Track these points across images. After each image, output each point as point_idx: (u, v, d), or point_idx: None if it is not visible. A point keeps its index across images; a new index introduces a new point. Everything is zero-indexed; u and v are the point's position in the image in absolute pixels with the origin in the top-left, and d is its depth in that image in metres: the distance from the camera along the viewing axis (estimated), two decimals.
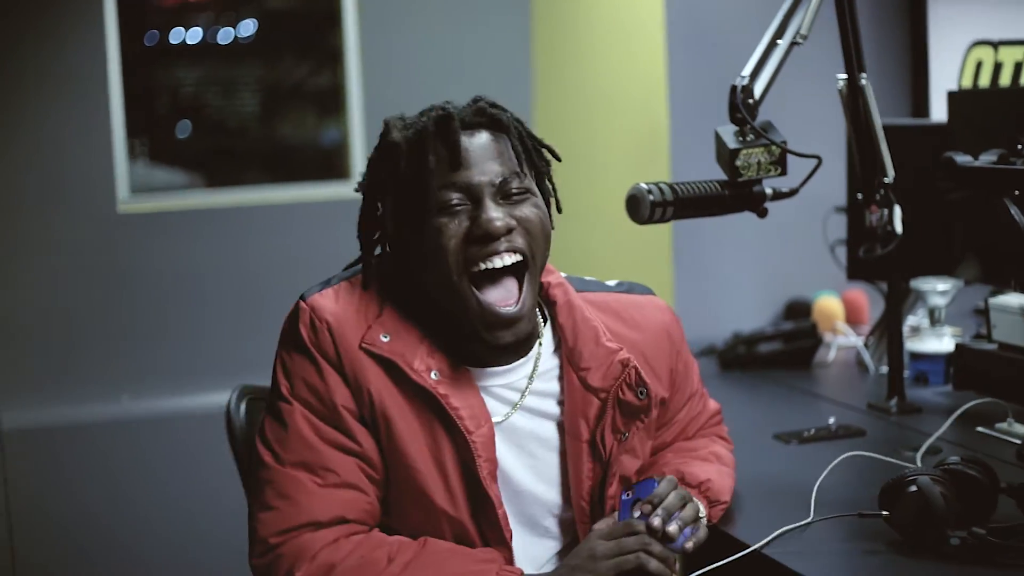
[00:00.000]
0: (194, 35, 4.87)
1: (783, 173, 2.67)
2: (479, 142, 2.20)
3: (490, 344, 2.21)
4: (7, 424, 4.31)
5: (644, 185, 2.55)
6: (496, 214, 2.16)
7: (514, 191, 2.20)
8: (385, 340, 2.18)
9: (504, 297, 2.20)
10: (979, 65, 4.34)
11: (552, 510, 2.33)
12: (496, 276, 2.20)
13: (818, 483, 2.51)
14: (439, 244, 2.15)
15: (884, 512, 2.27)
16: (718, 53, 4.01)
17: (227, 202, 4.72)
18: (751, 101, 2.67)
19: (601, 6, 4.50)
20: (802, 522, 2.36)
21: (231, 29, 4.92)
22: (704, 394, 2.62)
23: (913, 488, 2.24)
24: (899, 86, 4.40)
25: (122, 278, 4.58)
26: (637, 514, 2.21)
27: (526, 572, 2.22)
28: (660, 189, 2.56)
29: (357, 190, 2.29)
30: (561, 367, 2.33)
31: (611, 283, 2.48)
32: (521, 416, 2.30)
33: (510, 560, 2.24)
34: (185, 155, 4.89)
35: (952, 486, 2.25)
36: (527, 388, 2.30)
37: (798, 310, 4.10)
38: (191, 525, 4.35)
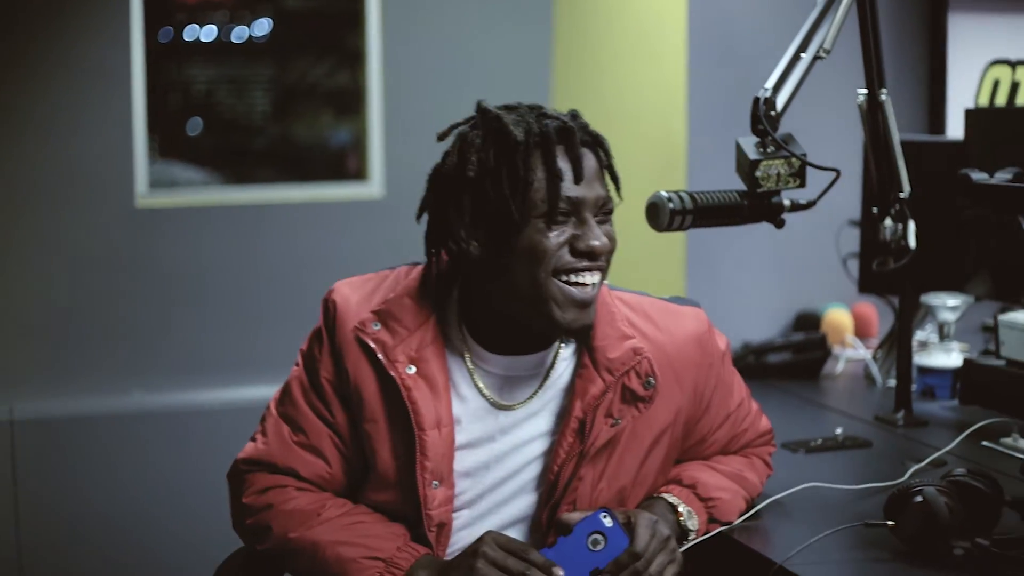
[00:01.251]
0: (208, 33, 4.91)
1: (802, 185, 2.70)
2: (589, 160, 2.28)
3: (564, 328, 2.27)
4: (19, 414, 4.34)
5: (664, 193, 2.58)
6: (601, 236, 2.25)
7: (606, 211, 2.29)
8: (375, 328, 2.33)
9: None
10: (996, 84, 4.38)
11: (526, 499, 2.39)
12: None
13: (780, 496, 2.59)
14: (542, 248, 2.23)
15: (890, 522, 2.31)
16: (738, 65, 4.04)
17: (244, 199, 4.75)
18: (773, 113, 2.70)
19: (623, 14, 4.52)
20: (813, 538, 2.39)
21: (245, 28, 4.95)
22: (754, 412, 2.63)
23: (919, 499, 2.27)
24: (916, 102, 4.43)
25: (138, 272, 4.61)
26: (598, 549, 2.24)
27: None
28: (680, 197, 2.58)
29: (436, 174, 2.34)
30: (579, 353, 2.38)
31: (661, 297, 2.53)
32: (533, 404, 2.37)
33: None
34: (195, 152, 4.92)
35: (957, 497, 2.29)
36: (546, 378, 2.38)
37: (808, 322, 4.12)
38: (198, 519, 4.37)
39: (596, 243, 2.24)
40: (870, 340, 4.01)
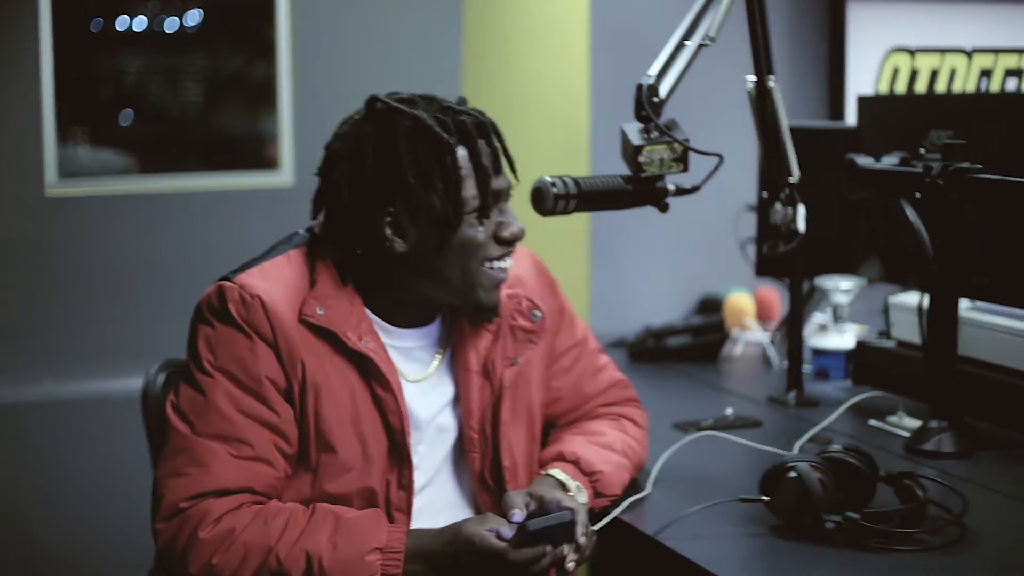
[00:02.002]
0: (139, 23, 4.90)
1: (685, 170, 2.74)
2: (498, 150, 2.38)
3: (486, 308, 2.39)
4: None
5: (548, 178, 2.61)
6: (519, 221, 2.38)
7: (510, 195, 2.40)
8: (320, 312, 2.29)
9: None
10: (896, 71, 4.45)
11: (458, 466, 2.48)
12: None
13: (660, 463, 2.67)
14: (476, 242, 2.33)
15: (764, 497, 2.36)
16: (641, 55, 4.04)
17: (154, 188, 4.75)
18: (656, 100, 2.74)
19: (530, 5, 4.56)
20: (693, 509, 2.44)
21: (177, 18, 4.95)
22: (605, 360, 2.73)
23: (792, 474, 2.32)
24: (818, 90, 4.49)
25: (48, 261, 4.59)
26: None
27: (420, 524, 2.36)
28: (564, 182, 2.62)
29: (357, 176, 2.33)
30: (457, 318, 2.47)
31: None
32: (437, 374, 2.45)
33: (404, 522, 2.35)
34: (126, 142, 4.90)
35: (831, 473, 2.34)
36: (441, 349, 2.46)
37: (711, 306, 4.18)
38: (108, 509, 4.37)
39: (517, 229, 2.36)
40: (772, 323, 4.07)
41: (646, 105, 2.72)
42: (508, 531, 2.19)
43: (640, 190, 2.72)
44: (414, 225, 2.31)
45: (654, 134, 2.71)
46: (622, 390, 2.73)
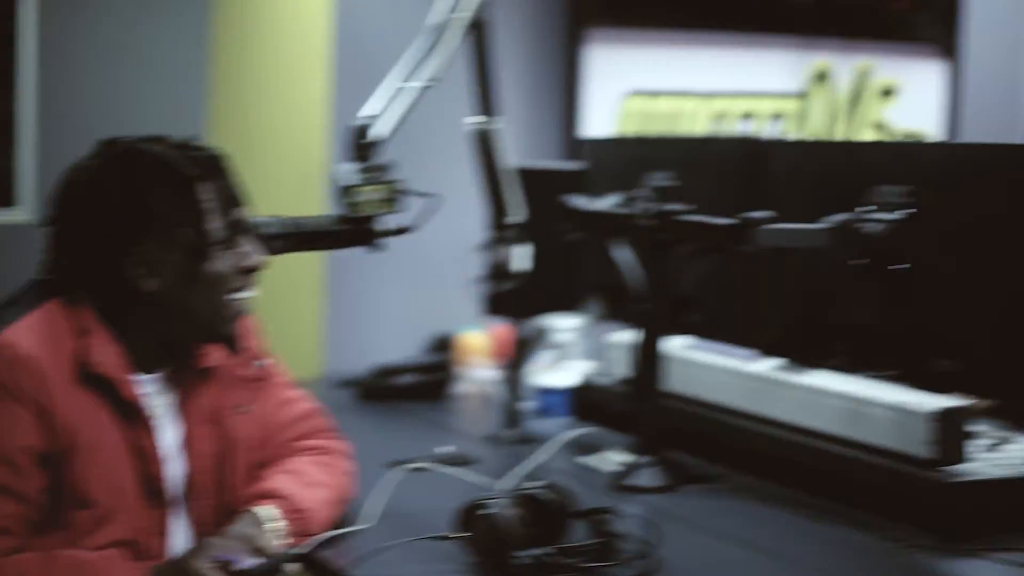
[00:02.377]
0: None
1: (398, 210, 2.78)
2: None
3: (229, 340, 2.43)
4: None
5: (259, 218, 2.63)
6: (259, 253, 2.39)
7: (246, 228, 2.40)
8: (96, 361, 2.25)
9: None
10: (635, 114, 4.56)
11: (182, 498, 2.43)
12: None
13: (368, 500, 2.69)
14: (223, 274, 2.33)
15: (458, 535, 2.40)
16: None
17: None
18: (370, 140, 2.78)
19: (274, 40, 4.57)
20: (390, 542, 2.46)
21: None
22: (293, 389, 2.70)
23: (485, 511, 2.36)
24: (557, 131, 4.58)
25: None
26: None
27: None
28: (272, 223, 2.64)
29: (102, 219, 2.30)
30: (185, 366, 2.45)
31: None
32: (169, 418, 2.41)
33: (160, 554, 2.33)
34: None
35: (526, 509, 2.38)
36: (167, 387, 2.42)
37: (447, 345, 4.21)
38: None
39: (259, 259, 2.38)
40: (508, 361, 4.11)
41: (359, 146, 2.76)
42: (231, 556, 2.23)
43: (352, 230, 2.75)
44: (161, 262, 2.29)
45: (368, 175, 2.74)
46: (315, 420, 2.70)
